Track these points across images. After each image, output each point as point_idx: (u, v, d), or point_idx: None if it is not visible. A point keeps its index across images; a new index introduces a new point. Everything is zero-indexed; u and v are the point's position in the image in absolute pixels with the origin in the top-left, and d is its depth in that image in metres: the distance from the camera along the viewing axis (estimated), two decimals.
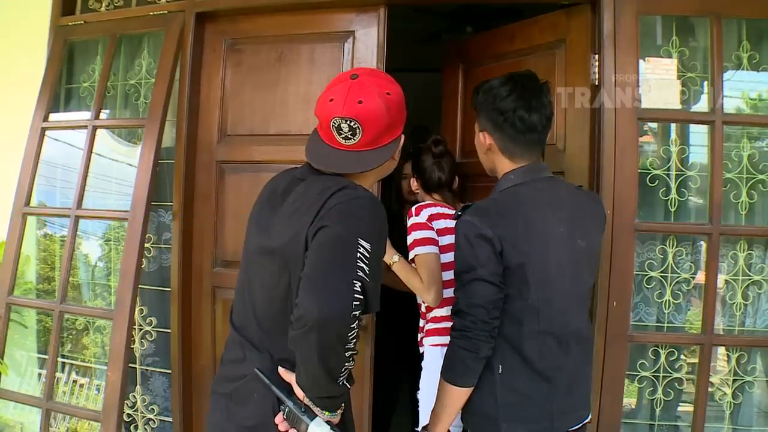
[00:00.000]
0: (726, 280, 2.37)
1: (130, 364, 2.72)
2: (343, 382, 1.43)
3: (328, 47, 2.57)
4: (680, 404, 2.43)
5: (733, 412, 2.40)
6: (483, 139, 1.81)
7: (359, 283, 1.33)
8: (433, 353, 2.36)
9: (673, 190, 2.35)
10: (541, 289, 1.67)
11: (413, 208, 2.41)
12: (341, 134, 1.51)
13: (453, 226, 2.28)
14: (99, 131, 2.81)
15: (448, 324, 2.21)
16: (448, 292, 2.31)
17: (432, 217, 2.38)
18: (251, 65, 2.66)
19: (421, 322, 2.47)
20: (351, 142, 1.52)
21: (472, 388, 1.69)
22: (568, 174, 2.44)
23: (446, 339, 2.15)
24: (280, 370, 1.50)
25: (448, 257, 2.32)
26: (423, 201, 2.50)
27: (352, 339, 1.36)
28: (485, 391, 1.69)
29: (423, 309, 2.46)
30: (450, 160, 2.56)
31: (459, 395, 1.69)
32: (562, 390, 1.71)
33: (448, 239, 2.35)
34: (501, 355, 1.67)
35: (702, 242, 2.36)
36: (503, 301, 1.65)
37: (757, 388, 2.39)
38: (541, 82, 1.79)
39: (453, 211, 2.42)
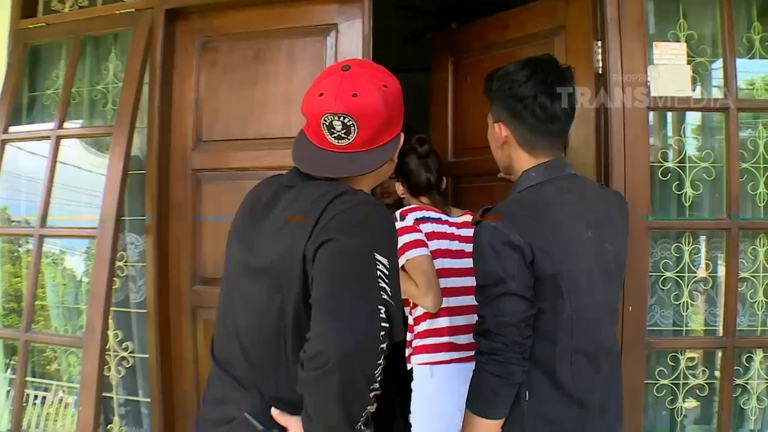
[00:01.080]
0: (745, 278, 2.22)
1: (107, 394, 2.52)
2: (361, 428, 1.23)
3: (308, 42, 2.40)
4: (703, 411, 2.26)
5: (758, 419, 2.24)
6: (498, 131, 1.63)
7: (383, 308, 1.16)
8: (421, 373, 2.17)
9: (687, 184, 2.20)
10: (573, 301, 1.49)
11: (397, 213, 2.23)
12: (333, 133, 1.33)
13: (442, 230, 2.17)
14: (69, 141, 2.62)
15: (435, 340, 2.10)
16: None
17: (418, 222, 2.21)
18: (226, 64, 2.48)
19: (409, 336, 2.27)
20: (345, 141, 1.34)
21: (503, 420, 1.49)
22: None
23: (435, 357, 2.12)
24: (274, 412, 1.28)
25: (437, 264, 2.16)
26: (409, 205, 2.32)
27: (378, 377, 1.17)
28: (510, 420, 1.49)
29: (411, 321, 2.26)
30: (436, 159, 2.38)
31: (490, 429, 1.48)
32: (595, 412, 1.53)
33: (436, 244, 2.18)
34: (528, 379, 1.48)
35: (719, 238, 2.21)
36: (534, 317, 1.46)
37: None
38: (563, 67, 1.62)
39: (441, 215, 2.26)
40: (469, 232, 2.25)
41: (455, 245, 2.23)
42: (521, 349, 1.43)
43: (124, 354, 2.57)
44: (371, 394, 1.18)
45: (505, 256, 1.44)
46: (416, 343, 2.19)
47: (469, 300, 2.15)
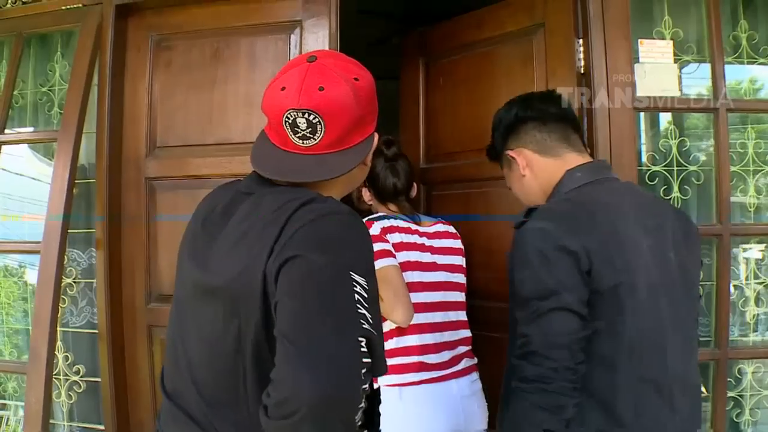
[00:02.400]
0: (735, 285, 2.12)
1: (56, 421, 2.32)
2: None
3: (271, 40, 2.24)
4: None
5: None
6: (518, 161, 1.53)
7: (364, 340, 0.99)
8: (389, 396, 1.97)
9: (675, 188, 2.09)
10: (635, 321, 1.28)
11: (364, 221, 2.04)
12: (297, 132, 1.15)
13: (412, 240, 2.06)
14: (12, 148, 2.43)
15: (404, 360, 1.98)
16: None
17: (386, 230, 2.04)
18: (183, 64, 2.30)
19: None
20: (311, 142, 1.15)
21: None
22: None
23: (404, 378, 1.96)
24: None
25: (406, 277, 2.01)
26: (376, 213, 2.16)
27: (360, 421, 1.03)
28: None
29: None
30: (405, 163, 2.21)
31: None
32: None
33: (405, 256, 2.03)
34: (581, 415, 1.25)
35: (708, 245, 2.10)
36: (588, 339, 1.26)
37: None
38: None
39: (410, 224, 2.11)
40: (442, 242, 2.14)
41: (426, 257, 2.08)
42: (573, 376, 1.21)
43: (75, 378, 2.36)
44: None
45: (557, 264, 1.24)
46: None
47: (440, 317, 2.05)
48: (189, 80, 2.29)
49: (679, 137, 2.11)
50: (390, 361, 1.87)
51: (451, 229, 2.21)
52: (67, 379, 2.37)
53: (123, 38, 2.33)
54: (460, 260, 2.17)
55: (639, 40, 2.06)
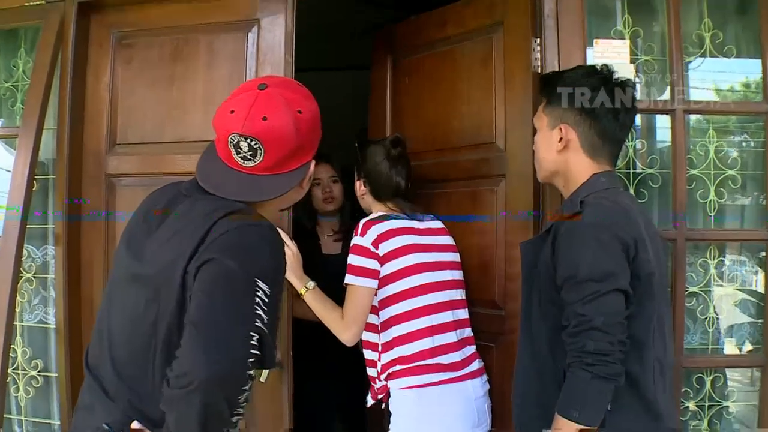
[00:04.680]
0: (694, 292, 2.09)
1: (11, 416, 2.34)
2: None
3: (229, 38, 2.23)
4: None
5: None
6: (563, 133, 1.62)
7: (257, 336, 1.20)
8: (407, 398, 1.99)
9: (632, 190, 2.05)
10: (657, 306, 1.52)
11: (360, 225, 2.05)
12: (240, 153, 1.33)
13: (418, 242, 2.08)
14: None
15: (418, 363, 2.00)
16: (420, 323, 2.03)
17: (383, 237, 2.03)
18: (143, 61, 2.30)
19: (373, 357, 2.09)
20: (250, 163, 1.34)
21: None
22: (510, 178, 2.15)
23: (421, 379, 1.99)
24: (134, 425, 1.28)
25: (411, 282, 2.03)
26: (373, 212, 2.16)
27: (243, 402, 1.25)
28: None
29: (380, 341, 2.07)
30: (408, 163, 2.22)
31: None
32: (668, 427, 1.55)
33: (414, 258, 2.05)
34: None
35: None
36: None
37: None
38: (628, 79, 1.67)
39: (412, 224, 2.11)
40: (442, 239, 2.17)
41: (431, 256, 2.10)
42: (625, 348, 1.41)
43: (33, 373, 2.37)
44: (233, 419, 1.24)
45: (613, 250, 1.43)
46: (398, 368, 2.02)
47: (450, 316, 2.08)
48: (149, 77, 2.29)
49: (638, 139, 2.09)
50: (407, 365, 2.01)
51: (442, 224, 2.23)
52: (26, 374, 2.38)
53: (85, 35, 2.32)
54: (458, 257, 2.20)
55: (594, 40, 2.03)
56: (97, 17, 2.34)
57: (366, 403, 2.14)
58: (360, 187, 2.23)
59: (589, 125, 1.60)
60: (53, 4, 2.31)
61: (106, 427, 1.27)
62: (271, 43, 2.17)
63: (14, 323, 2.22)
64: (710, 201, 2.07)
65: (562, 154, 1.63)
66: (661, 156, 2.08)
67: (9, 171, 2.35)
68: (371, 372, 2.11)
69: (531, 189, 2.05)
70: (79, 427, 1.38)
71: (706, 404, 2.08)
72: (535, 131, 1.76)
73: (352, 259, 2.02)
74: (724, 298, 2.11)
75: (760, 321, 2.08)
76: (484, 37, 2.25)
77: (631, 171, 2.06)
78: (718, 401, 2.09)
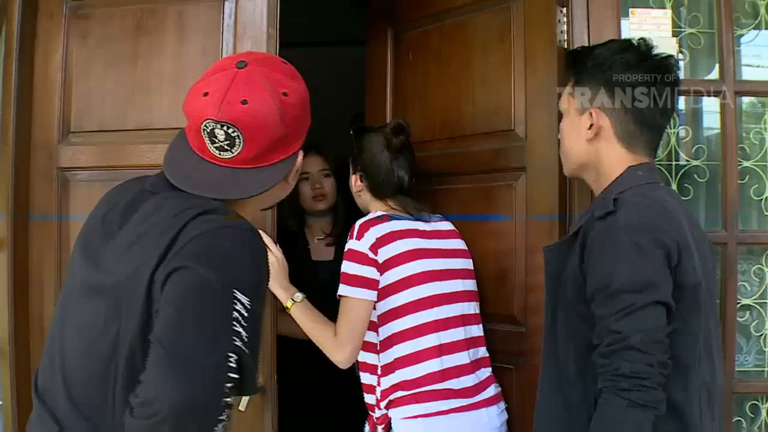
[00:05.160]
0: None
1: None
2: None
3: (202, 9, 2.04)
4: None
5: None
6: (594, 119, 1.50)
7: (235, 356, 1.10)
8: (409, 431, 1.86)
9: (674, 186, 1.93)
10: (705, 322, 1.39)
11: (356, 226, 1.91)
12: (215, 143, 1.22)
13: (421, 246, 1.96)
14: None
15: (425, 388, 1.87)
16: (427, 341, 1.89)
17: (382, 241, 1.91)
18: (102, 36, 2.11)
19: (372, 382, 1.94)
20: (227, 155, 1.23)
21: None
22: (531, 171, 2.01)
23: (428, 407, 1.87)
24: None
25: (415, 293, 1.90)
26: (371, 211, 2.01)
27: None
28: None
29: (380, 363, 1.92)
30: (412, 154, 2.08)
31: None
32: None
33: (422, 265, 1.92)
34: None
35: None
36: None
37: None
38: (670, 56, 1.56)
39: (417, 225, 1.98)
40: (452, 243, 2.05)
41: (440, 263, 1.98)
42: (666, 371, 1.29)
43: None
44: None
45: (652, 256, 1.32)
46: (401, 393, 1.90)
47: (462, 333, 1.95)
48: (109, 54, 2.10)
49: (681, 126, 1.97)
50: (411, 391, 1.89)
51: (453, 226, 2.10)
52: None
53: (34, 4, 2.12)
54: (470, 264, 2.08)
55: (630, 9, 1.93)
56: None
57: None
58: (356, 182, 2.10)
59: (624, 110, 1.49)
60: None
61: None
62: (251, 16, 1.99)
63: None
64: (766, 198, 1.95)
65: (592, 143, 1.53)
66: (708, 145, 1.97)
67: None
68: (369, 399, 1.98)
69: (556, 184, 1.91)
70: None
71: None
72: (560, 117, 1.64)
73: (347, 267, 1.89)
74: None
75: None
76: (501, 7, 2.10)
77: (674, 163, 1.95)
78: None
